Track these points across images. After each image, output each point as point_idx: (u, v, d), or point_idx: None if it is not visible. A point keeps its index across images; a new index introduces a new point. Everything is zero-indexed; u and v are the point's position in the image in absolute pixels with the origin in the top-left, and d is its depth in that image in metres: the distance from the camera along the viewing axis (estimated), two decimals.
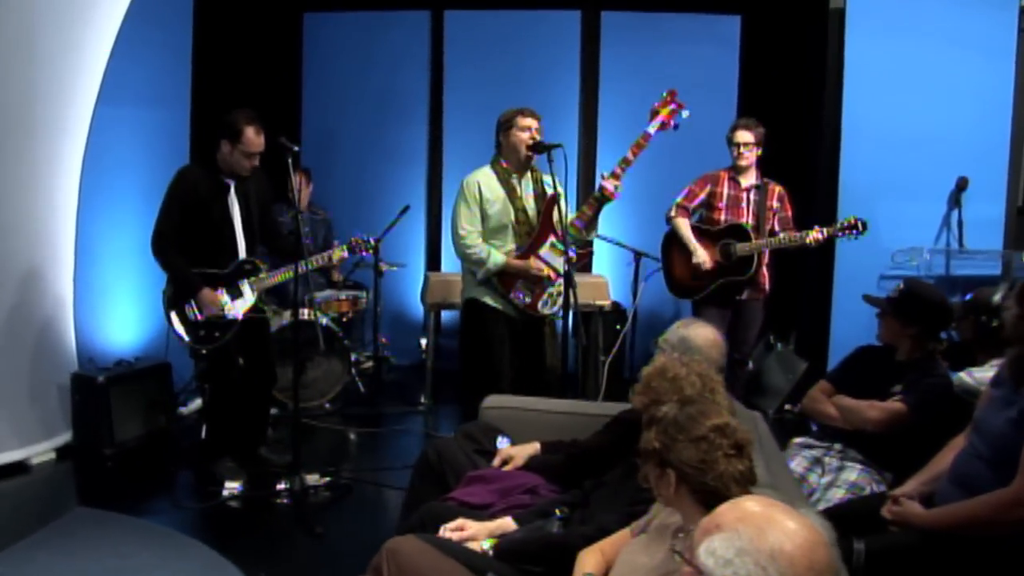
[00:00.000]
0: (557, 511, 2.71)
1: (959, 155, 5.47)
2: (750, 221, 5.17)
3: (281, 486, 4.34)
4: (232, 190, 4.42)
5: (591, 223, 4.42)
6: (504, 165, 4.47)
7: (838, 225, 4.92)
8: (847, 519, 2.76)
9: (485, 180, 4.44)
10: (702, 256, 5.13)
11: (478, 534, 2.64)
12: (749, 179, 5.22)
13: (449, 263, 7.00)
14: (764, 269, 5.19)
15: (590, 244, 4.82)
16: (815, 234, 4.92)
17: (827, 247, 5.22)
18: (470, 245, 4.41)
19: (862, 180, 5.55)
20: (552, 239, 4.38)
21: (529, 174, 4.49)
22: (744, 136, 5.14)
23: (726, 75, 6.66)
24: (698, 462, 1.95)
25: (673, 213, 5.28)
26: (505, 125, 4.46)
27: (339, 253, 4.65)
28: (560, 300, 4.37)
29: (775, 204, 5.22)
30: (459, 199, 4.48)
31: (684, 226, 5.26)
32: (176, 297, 4.39)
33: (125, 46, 5.08)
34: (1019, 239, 5.55)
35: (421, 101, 6.95)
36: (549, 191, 4.44)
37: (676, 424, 2.03)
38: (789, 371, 5.87)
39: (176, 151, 5.71)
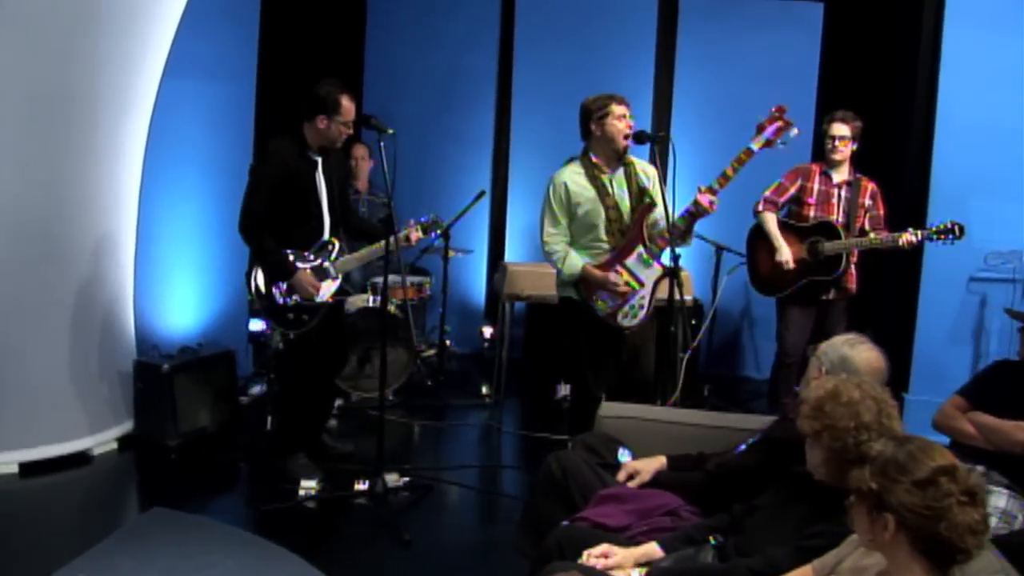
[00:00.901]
0: (711, 539, 2.48)
1: None
2: (840, 218, 4.93)
3: (361, 486, 4.13)
4: (320, 167, 4.23)
5: (685, 236, 4.16)
6: (594, 160, 4.20)
7: (933, 229, 4.65)
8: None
9: (573, 179, 4.18)
10: (786, 255, 4.90)
11: (625, 562, 2.46)
12: (842, 174, 4.98)
13: (514, 251, 6.77)
14: (852, 269, 4.94)
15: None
16: (908, 236, 4.66)
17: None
18: (551, 250, 4.20)
19: (955, 178, 5.28)
20: (641, 248, 4.13)
21: (622, 168, 4.22)
22: (840, 129, 4.89)
23: (807, 64, 6.39)
24: (924, 508, 1.76)
25: (761, 207, 5.04)
26: (598, 114, 4.14)
27: (416, 233, 4.39)
28: (641, 314, 4.15)
29: (867, 202, 4.97)
30: (545, 198, 4.25)
31: (771, 221, 5.01)
32: (267, 280, 4.19)
33: (192, 19, 4.83)
34: None
35: (488, 82, 6.71)
36: (646, 184, 4.19)
37: (896, 464, 1.83)
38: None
39: (240, 128, 5.52)
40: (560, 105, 6.48)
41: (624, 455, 3.15)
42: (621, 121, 4.12)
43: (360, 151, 6.13)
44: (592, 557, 2.45)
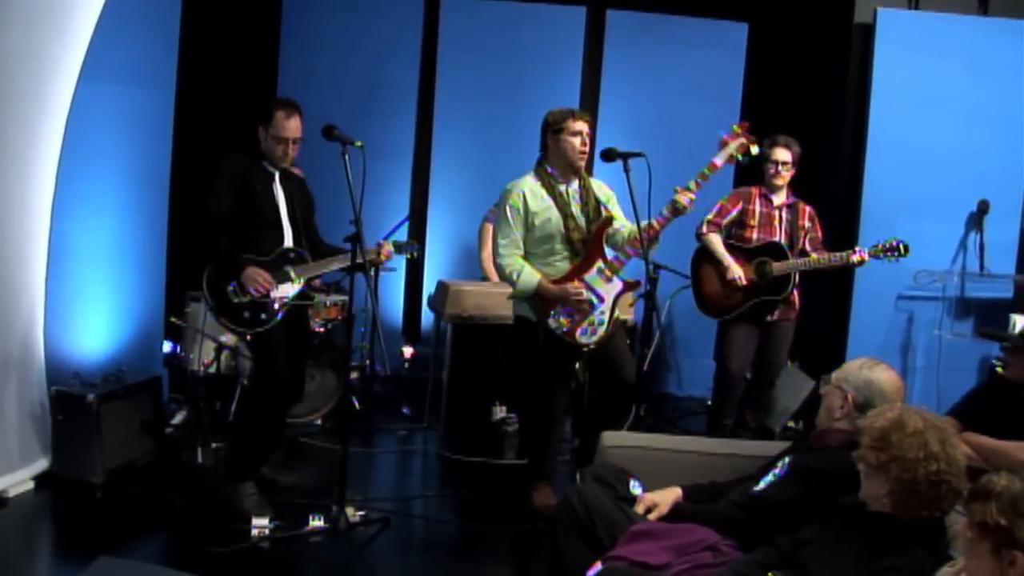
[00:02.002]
0: (770, 575, 2.41)
1: (976, 178, 5.45)
2: (783, 240, 5.01)
3: (318, 523, 3.86)
4: (277, 179, 4.11)
5: (655, 239, 4.11)
6: (549, 172, 4.15)
7: (880, 247, 4.80)
8: None
9: (530, 189, 4.11)
10: (737, 272, 4.93)
11: None
12: (781, 197, 5.06)
13: (434, 268, 6.58)
14: (795, 289, 5.03)
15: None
16: (857, 255, 4.79)
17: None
18: (505, 263, 4.11)
19: (885, 199, 5.48)
20: (600, 263, 4.05)
21: (576, 181, 4.17)
22: (783, 154, 4.97)
23: (731, 82, 6.50)
24: None
25: (704, 230, 5.06)
26: (554, 127, 4.12)
27: (388, 247, 4.22)
28: (602, 330, 4.06)
29: (807, 224, 5.08)
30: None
31: (717, 242, 5.04)
32: (219, 279, 3.96)
33: (110, 18, 4.44)
34: None
35: (410, 92, 6.50)
36: (602, 202, 4.14)
37: None
38: (797, 390, 5.74)
39: (158, 137, 5.12)
40: (484, 117, 6.42)
41: (636, 487, 3.04)
42: (576, 138, 4.09)
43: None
44: None
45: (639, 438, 3.27)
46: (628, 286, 4.12)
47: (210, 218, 3.94)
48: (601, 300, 4.05)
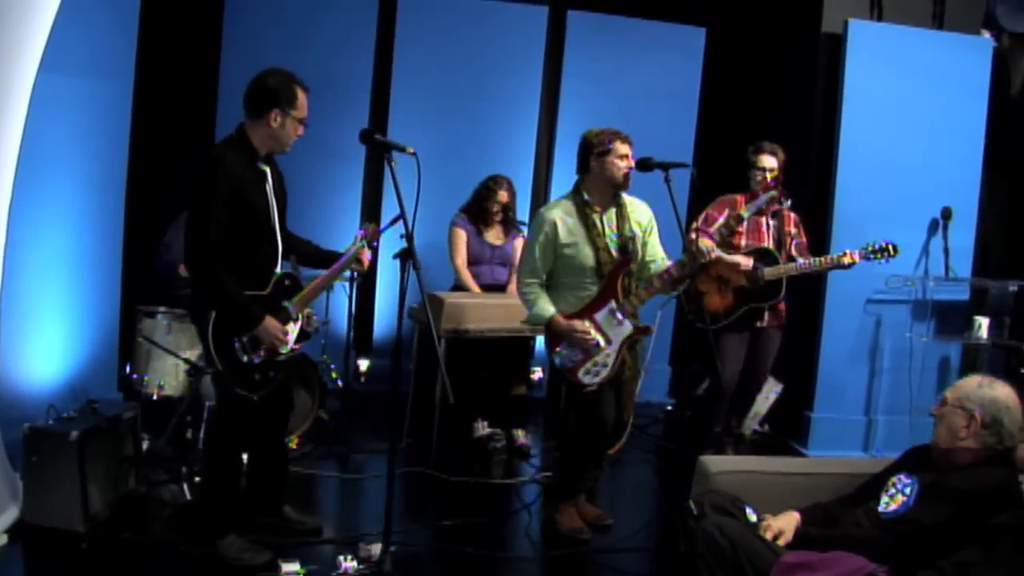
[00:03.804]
0: None
1: (938, 186, 5.61)
2: (771, 246, 5.00)
3: (347, 565, 3.51)
4: (269, 177, 3.50)
5: (681, 280, 4.00)
6: (587, 198, 3.97)
7: (870, 247, 4.87)
8: None
9: (563, 217, 3.94)
10: (744, 260, 4.86)
11: None
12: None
13: (388, 275, 6.23)
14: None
15: None
16: (848, 258, 4.85)
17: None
18: (524, 291, 4.00)
19: (856, 206, 5.56)
20: (613, 304, 3.90)
21: (614, 208, 3.99)
22: (770, 161, 4.97)
23: (689, 86, 6.47)
24: None
25: (694, 236, 4.97)
26: (599, 149, 3.93)
27: (367, 252, 3.72)
28: (605, 372, 3.91)
29: (792, 230, 5.10)
30: (531, 234, 4.03)
31: (712, 246, 4.96)
32: (227, 332, 3.37)
33: (69, 5, 3.90)
34: (986, 268, 5.84)
35: (363, 89, 6.10)
36: (636, 231, 3.98)
37: None
38: (767, 394, 5.78)
39: (115, 136, 4.59)
40: (443, 115, 6.13)
41: (752, 514, 2.93)
42: (623, 160, 3.92)
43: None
44: None
45: (743, 462, 3.17)
46: (639, 331, 3.96)
47: (204, 245, 3.26)
48: (609, 342, 3.91)
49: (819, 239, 5.51)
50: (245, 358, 3.40)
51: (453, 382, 4.85)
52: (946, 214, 5.60)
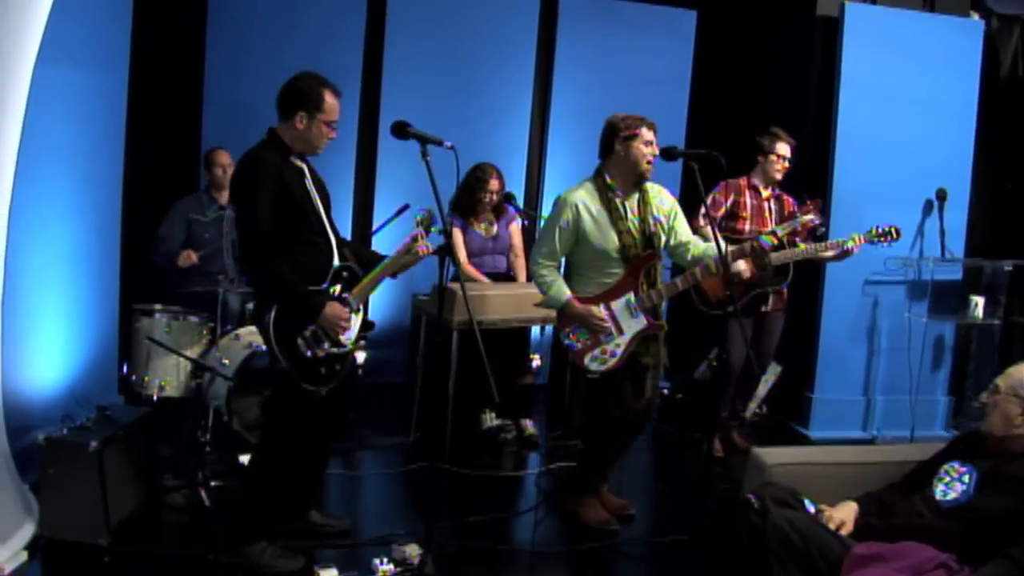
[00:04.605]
0: None
1: (932, 168, 5.68)
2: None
3: (385, 568, 3.44)
4: (307, 174, 3.48)
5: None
6: (609, 181, 3.92)
7: (875, 231, 4.90)
8: None
9: (584, 202, 3.88)
10: (742, 265, 4.88)
11: None
12: (768, 189, 5.07)
13: None
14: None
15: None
16: (854, 242, 4.87)
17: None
18: (539, 274, 3.95)
19: (853, 189, 5.61)
20: (631, 295, 3.87)
21: (637, 194, 3.95)
22: (785, 149, 5.01)
23: (679, 69, 6.44)
24: None
25: (702, 222, 4.96)
26: (626, 133, 3.87)
27: (422, 240, 3.57)
28: (612, 362, 3.89)
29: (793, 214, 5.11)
30: (551, 216, 3.94)
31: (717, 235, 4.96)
32: (290, 327, 3.28)
33: None
34: (980, 247, 5.93)
35: (353, 78, 5.93)
36: (658, 217, 3.94)
37: None
38: (766, 375, 5.81)
39: (111, 129, 4.38)
40: (434, 103, 6.02)
41: (810, 506, 2.92)
42: (648, 147, 3.87)
43: (224, 158, 5.17)
44: None
45: (801, 453, 3.15)
46: (653, 326, 3.93)
47: (258, 236, 3.24)
48: (620, 332, 3.89)
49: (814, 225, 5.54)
50: (309, 353, 3.31)
51: (463, 374, 4.86)
52: (941, 195, 5.66)
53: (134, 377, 4.60)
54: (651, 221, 3.92)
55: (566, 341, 3.93)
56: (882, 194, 5.59)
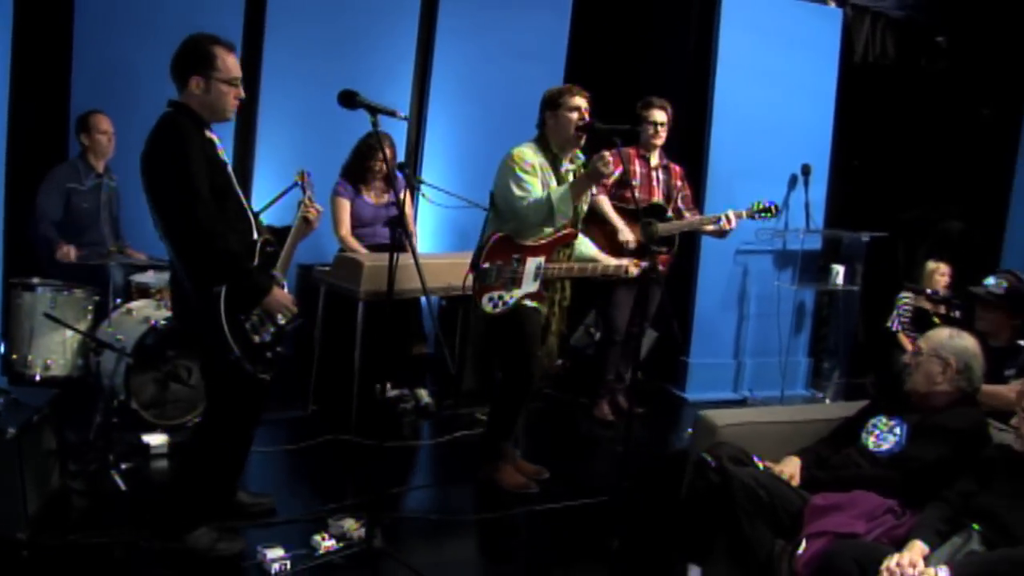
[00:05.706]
0: (974, 526, 2.68)
1: (796, 144, 6.11)
2: (660, 200, 5.26)
3: (327, 541, 3.43)
4: (218, 144, 3.24)
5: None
6: (555, 150, 4.08)
7: (756, 206, 5.24)
8: None
9: (535, 156, 4.01)
10: (628, 235, 5.08)
11: (915, 561, 2.51)
12: (656, 158, 5.30)
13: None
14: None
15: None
16: (734, 216, 5.18)
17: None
18: (532, 198, 3.92)
19: (727, 164, 5.94)
20: (541, 260, 4.07)
21: (571, 164, 4.14)
22: (660, 115, 5.19)
23: (556, 44, 6.53)
24: None
25: (594, 190, 5.13)
26: (552, 104, 4.04)
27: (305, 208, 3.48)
28: (498, 310, 4.06)
29: (679, 183, 5.38)
30: (511, 170, 3.96)
31: (607, 203, 5.16)
32: (236, 311, 3.12)
33: None
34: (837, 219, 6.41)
35: (233, 39, 5.58)
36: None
37: None
38: (646, 342, 6.09)
39: None
40: (315, 72, 5.85)
41: (759, 462, 3.13)
42: (574, 113, 4.01)
43: (106, 124, 4.87)
44: (904, 569, 2.48)
45: (746, 414, 3.37)
46: (537, 296, 4.11)
47: (198, 203, 2.97)
48: (518, 287, 4.06)
49: (694, 196, 5.82)
50: (256, 338, 3.19)
51: (365, 345, 4.81)
52: (806, 170, 6.10)
53: (15, 356, 4.31)
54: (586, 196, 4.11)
55: (482, 274, 3.99)
56: (753, 169, 5.95)
